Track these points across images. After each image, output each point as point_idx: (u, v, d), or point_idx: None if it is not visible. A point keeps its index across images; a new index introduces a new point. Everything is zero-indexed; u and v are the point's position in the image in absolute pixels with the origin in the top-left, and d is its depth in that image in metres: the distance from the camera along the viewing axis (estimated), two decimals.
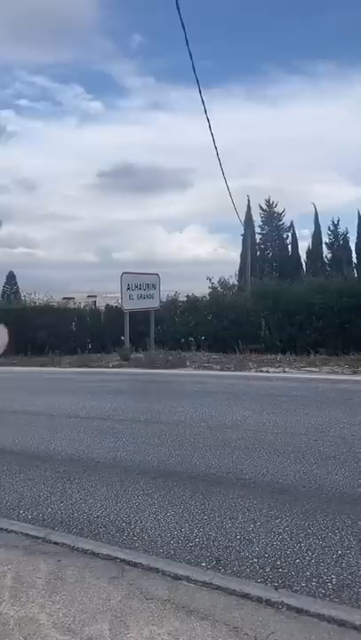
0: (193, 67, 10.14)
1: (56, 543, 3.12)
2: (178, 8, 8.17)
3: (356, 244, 33.43)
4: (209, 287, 16.82)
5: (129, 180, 66.70)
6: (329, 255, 34.50)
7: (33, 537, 3.21)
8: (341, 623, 2.21)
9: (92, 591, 2.57)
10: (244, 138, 61.28)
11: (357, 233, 33.34)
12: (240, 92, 65.05)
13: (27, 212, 68.68)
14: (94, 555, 2.94)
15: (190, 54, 9.58)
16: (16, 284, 38.60)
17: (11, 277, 40.46)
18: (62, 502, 3.79)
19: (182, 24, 8.62)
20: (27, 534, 3.25)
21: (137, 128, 68.13)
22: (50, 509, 3.68)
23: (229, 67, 62.80)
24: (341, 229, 34.58)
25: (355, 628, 2.19)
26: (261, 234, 37.40)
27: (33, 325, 15.90)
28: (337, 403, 6.78)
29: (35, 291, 18.87)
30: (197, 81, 10.82)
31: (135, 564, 2.80)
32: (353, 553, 2.82)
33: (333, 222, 34.89)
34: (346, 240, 34.39)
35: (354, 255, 33.26)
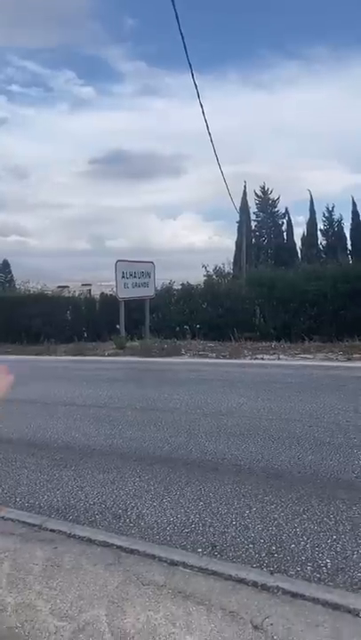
0: (185, 49, 9.97)
1: (52, 530, 3.13)
2: None
3: (351, 230, 33.41)
4: (204, 275, 16.79)
5: (122, 166, 66.06)
6: (324, 242, 34.45)
7: (29, 524, 3.22)
8: (336, 607, 2.24)
9: (88, 577, 2.58)
10: (239, 123, 60.82)
11: (352, 220, 33.31)
12: (235, 77, 64.31)
13: (19, 199, 68.07)
14: (91, 542, 2.96)
15: (182, 36, 9.41)
16: (10, 272, 38.38)
17: (5, 266, 40.22)
18: (59, 490, 3.80)
19: (174, 6, 8.44)
20: (23, 522, 3.26)
21: (130, 114, 67.30)
22: (46, 497, 3.69)
23: (225, 52, 61.90)
24: (336, 216, 34.52)
25: (349, 611, 2.21)
26: (257, 221, 37.26)
27: (28, 314, 15.82)
28: (331, 389, 6.82)
29: (29, 279, 18.78)
30: (190, 65, 10.66)
31: (132, 551, 2.82)
32: (347, 537, 2.85)
33: (328, 209, 34.80)
34: (341, 227, 34.36)
35: (349, 242, 33.27)
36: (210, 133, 13.01)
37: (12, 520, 3.30)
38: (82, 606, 2.34)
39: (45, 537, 3.06)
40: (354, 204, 33.02)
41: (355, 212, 33.07)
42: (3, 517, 3.34)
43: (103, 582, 2.53)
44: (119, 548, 2.87)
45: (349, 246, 32.72)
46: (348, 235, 33.55)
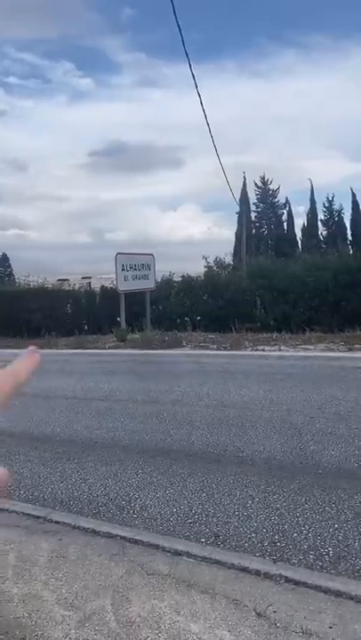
0: (182, 39, 9.78)
1: (57, 522, 3.16)
2: None
3: (351, 221, 33.29)
4: (205, 266, 16.75)
5: (121, 158, 65.54)
6: (325, 232, 34.33)
7: (34, 517, 3.25)
8: (338, 594, 2.27)
9: (93, 568, 2.61)
10: (238, 114, 60.29)
11: (352, 210, 33.17)
12: (233, 66, 63.47)
13: (17, 192, 67.72)
14: (95, 533, 2.99)
15: (179, 28, 9.26)
16: (10, 266, 38.33)
17: (4, 259, 40.12)
18: (62, 482, 3.83)
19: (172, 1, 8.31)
20: (28, 514, 3.29)
21: (129, 105, 66.69)
22: (50, 489, 3.72)
23: (223, 41, 60.97)
24: (336, 206, 34.36)
25: (351, 598, 2.25)
26: (257, 211, 37.09)
27: (28, 308, 15.83)
28: (333, 380, 6.83)
29: (29, 273, 18.76)
30: (187, 55, 10.44)
31: (136, 541, 2.85)
32: (349, 526, 2.88)
33: (328, 199, 34.62)
34: (341, 217, 34.22)
35: (349, 232, 33.15)
36: (208, 124, 12.85)
37: (16, 512, 3.34)
38: (87, 596, 2.38)
39: (50, 529, 3.09)
40: (353, 195, 32.89)
41: (355, 202, 32.93)
42: (7, 510, 3.37)
43: (108, 572, 2.57)
44: (123, 538, 2.90)
45: (350, 236, 32.62)
46: (348, 225, 33.44)
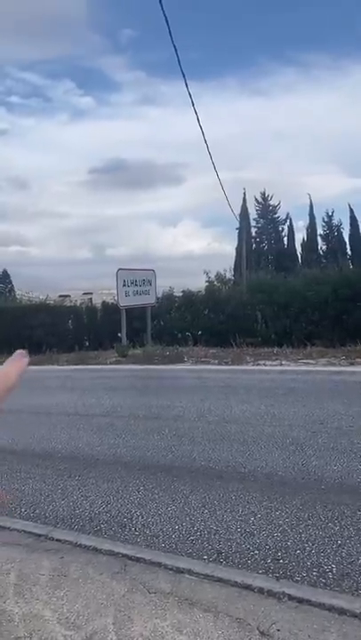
0: (178, 59, 10.03)
1: (58, 540, 3.14)
2: (160, 3, 8.10)
3: (350, 236, 33.54)
4: (206, 281, 16.86)
5: (121, 175, 66.28)
6: (324, 247, 34.57)
7: (35, 535, 3.23)
8: (342, 611, 2.25)
9: (95, 586, 2.59)
10: (239, 130, 61.09)
11: (350, 225, 33.46)
12: (235, 84, 64.52)
13: (19, 210, 68.34)
14: (97, 551, 2.97)
15: (175, 48, 9.50)
16: (10, 282, 38.51)
17: (5, 276, 40.35)
18: (64, 499, 3.81)
19: (165, 18, 8.54)
20: (29, 532, 3.27)
21: (129, 123, 67.61)
22: (51, 507, 3.70)
23: (223, 59, 62.08)
24: (335, 221, 34.67)
25: (355, 615, 2.22)
26: (257, 227, 37.43)
27: (29, 324, 15.88)
28: (334, 394, 6.82)
29: (31, 290, 18.90)
30: (183, 74, 10.70)
31: (137, 559, 2.83)
32: (352, 543, 2.86)
33: (328, 214, 34.95)
34: (340, 232, 34.49)
35: (348, 247, 33.37)
36: (206, 141, 13.08)
37: (17, 530, 3.32)
38: (89, 615, 2.35)
39: (51, 547, 3.07)
40: (351, 210, 33.23)
41: (353, 218, 33.25)
42: (8, 528, 3.35)
43: (110, 591, 2.54)
44: (125, 556, 2.88)
45: (349, 251, 32.84)
46: (347, 240, 33.69)
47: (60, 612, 2.39)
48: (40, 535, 3.22)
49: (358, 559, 2.69)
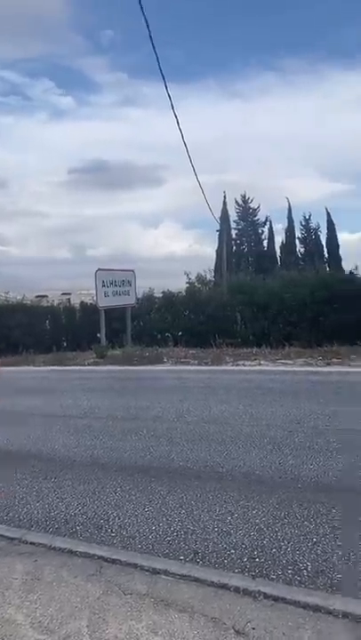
0: (158, 62, 10.14)
1: (32, 543, 3.08)
2: (141, 7, 8.16)
3: (327, 239, 34.08)
4: (186, 282, 16.91)
5: (101, 176, 65.94)
6: (302, 249, 35.01)
7: (9, 538, 3.16)
8: (317, 609, 2.26)
9: (69, 589, 2.55)
10: (220, 133, 61.48)
11: (328, 228, 34.00)
12: (215, 87, 65.01)
13: None
14: (72, 553, 2.92)
15: (155, 50, 9.58)
16: None
17: None
18: (38, 502, 3.74)
19: (146, 21, 8.60)
20: (2, 535, 3.20)
21: (110, 124, 67.34)
22: (26, 509, 3.63)
23: (204, 63, 62.81)
24: (313, 224, 35.17)
25: (330, 612, 2.24)
26: (237, 229, 37.66)
27: (6, 324, 15.63)
28: (311, 394, 6.90)
29: (8, 290, 18.59)
30: (163, 77, 10.81)
31: (113, 561, 2.80)
32: (327, 540, 2.89)
33: (305, 217, 35.42)
34: (318, 235, 35.01)
35: (325, 250, 33.89)
36: (185, 144, 13.17)
37: None
38: (63, 619, 2.31)
39: (25, 550, 3.01)
40: (328, 214, 33.76)
41: (330, 222, 33.79)
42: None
43: (85, 593, 2.50)
44: (101, 558, 2.84)
45: (326, 254, 33.35)
46: (324, 243, 34.21)
47: (33, 616, 2.34)
48: (13, 538, 3.15)
49: (333, 556, 2.72)
